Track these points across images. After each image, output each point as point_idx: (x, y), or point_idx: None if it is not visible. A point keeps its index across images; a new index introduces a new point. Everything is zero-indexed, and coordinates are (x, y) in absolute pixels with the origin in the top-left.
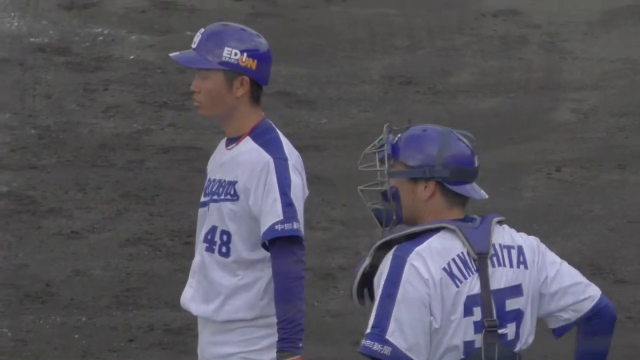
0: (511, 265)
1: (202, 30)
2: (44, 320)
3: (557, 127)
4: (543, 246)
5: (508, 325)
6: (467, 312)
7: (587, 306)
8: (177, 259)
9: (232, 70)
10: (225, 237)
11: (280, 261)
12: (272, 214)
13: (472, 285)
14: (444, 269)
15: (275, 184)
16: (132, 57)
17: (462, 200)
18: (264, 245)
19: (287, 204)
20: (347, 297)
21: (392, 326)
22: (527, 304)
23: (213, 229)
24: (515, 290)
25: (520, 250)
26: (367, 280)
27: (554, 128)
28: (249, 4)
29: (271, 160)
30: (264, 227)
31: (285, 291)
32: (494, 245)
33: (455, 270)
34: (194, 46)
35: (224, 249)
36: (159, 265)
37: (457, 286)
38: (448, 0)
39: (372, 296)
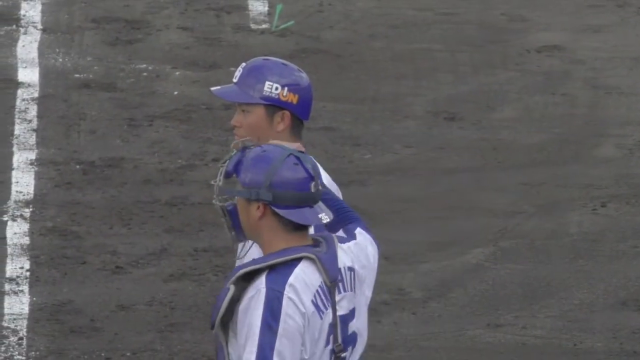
0: (351, 289)
1: (243, 64)
2: (89, 356)
3: (602, 163)
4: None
5: (348, 348)
6: (327, 342)
7: None
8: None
9: (273, 105)
10: None
11: None
12: None
13: (329, 314)
14: (312, 301)
15: None
16: (176, 92)
17: (300, 223)
18: None
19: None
20: (390, 332)
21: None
22: (358, 326)
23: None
24: (353, 314)
25: (354, 273)
26: (227, 311)
27: (599, 163)
28: (293, 40)
29: None
30: None
31: None
32: (340, 271)
33: (319, 302)
34: (235, 80)
35: None
36: (202, 301)
37: (321, 318)
38: (492, 36)
39: (224, 326)
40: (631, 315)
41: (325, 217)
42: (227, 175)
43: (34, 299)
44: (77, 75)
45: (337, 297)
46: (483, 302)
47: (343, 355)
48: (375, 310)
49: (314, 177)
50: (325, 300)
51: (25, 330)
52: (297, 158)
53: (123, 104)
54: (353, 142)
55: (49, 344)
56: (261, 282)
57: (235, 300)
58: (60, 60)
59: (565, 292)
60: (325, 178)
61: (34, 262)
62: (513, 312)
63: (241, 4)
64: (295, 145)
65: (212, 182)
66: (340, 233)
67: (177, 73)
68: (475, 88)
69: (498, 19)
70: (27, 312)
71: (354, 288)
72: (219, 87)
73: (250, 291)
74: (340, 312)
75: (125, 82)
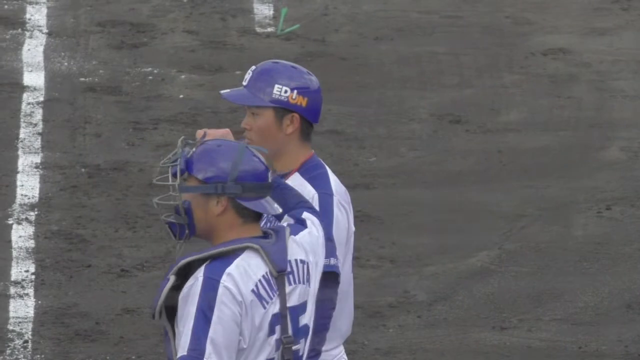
0: (303, 282)
1: (253, 67)
2: (94, 359)
3: (607, 166)
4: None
5: (300, 341)
6: (271, 331)
7: None
8: None
9: (283, 108)
10: None
11: None
12: None
13: (275, 304)
14: (253, 290)
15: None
16: (181, 96)
17: (256, 215)
18: None
19: (327, 240)
20: (394, 335)
21: (209, 348)
22: (310, 318)
23: None
24: (304, 306)
25: (308, 266)
26: (168, 300)
27: (604, 166)
28: (299, 43)
29: (316, 195)
30: None
31: None
32: (290, 262)
33: (262, 292)
34: (244, 84)
35: None
36: None
37: (264, 307)
38: (497, 39)
39: (169, 316)
40: (636, 318)
41: (278, 208)
42: (181, 173)
43: (39, 302)
44: (82, 79)
45: (288, 289)
46: (488, 305)
47: (295, 347)
48: (380, 314)
49: (268, 168)
50: (270, 290)
51: (30, 333)
52: (250, 150)
53: (128, 108)
54: (358, 145)
55: (54, 348)
56: (200, 272)
57: (176, 290)
58: (66, 63)
59: (570, 295)
60: (334, 182)
61: (39, 266)
62: (518, 315)
63: (247, 7)
64: (223, 132)
65: (156, 181)
66: (289, 219)
67: (183, 76)
68: (481, 91)
69: (503, 22)
70: (32, 315)
71: (307, 281)
72: (228, 90)
73: (190, 280)
74: (290, 304)
75: (130, 85)
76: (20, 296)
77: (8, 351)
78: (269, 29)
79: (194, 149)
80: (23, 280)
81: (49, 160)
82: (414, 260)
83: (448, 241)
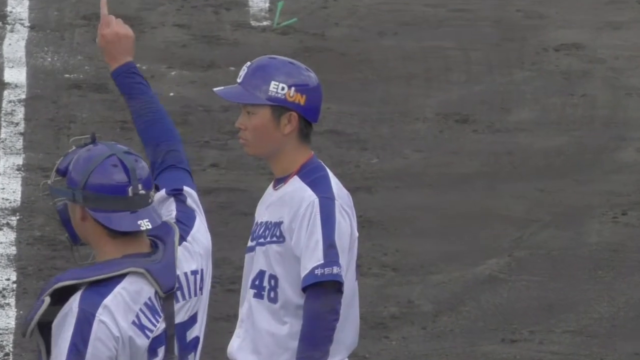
0: (194, 295)
1: (249, 63)
2: None
3: (623, 168)
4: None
5: (189, 356)
6: (153, 354)
7: None
8: (219, 308)
9: (280, 106)
10: (273, 282)
11: (312, 307)
12: (313, 258)
13: (160, 327)
14: (134, 322)
15: (319, 225)
16: (172, 93)
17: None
18: (304, 290)
19: (329, 247)
20: (398, 348)
21: None
22: (201, 328)
23: (261, 274)
24: (194, 319)
25: (201, 275)
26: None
27: (620, 169)
28: (297, 38)
29: (317, 200)
30: (304, 271)
31: (311, 338)
32: (179, 277)
33: (144, 321)
34: (239, 80)
35: (272, 294)
36: None
37: (147, 337)
38: (507, 34)
39: (43, 330)
40: None
41: (147, 224)
42: (60, 173)
43: (21, 312)
44: (67, 76)
45: (176, 307)
46: (497, 316)
47: None
48: (382, 325)
49: (132, 180)
50: (153, 316)
51: (11, 345)
52: (120, 160)
53: (115, 106)
54: (360, 146)
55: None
56: (75, 300)
57: (51, 311)
58: (49, 59)
59: (584, 305)
60: (335, 185)
61: (21, 274)
62: (529, 326)
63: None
64: (124, 32)
65: (42, 185)
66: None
67: (173, 73)
68: (490, 89)
69: (514, 16)
70: (14, 326)
71: (200, 290)
72: (222, 88)
73: (65, 307)
74: (178, 321)
75: None
76: (1, 306)
77: None
78: (265, 23)
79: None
80: (4, 289)
81: (32, 161)
82: (419, 268)
83: (454, 248)
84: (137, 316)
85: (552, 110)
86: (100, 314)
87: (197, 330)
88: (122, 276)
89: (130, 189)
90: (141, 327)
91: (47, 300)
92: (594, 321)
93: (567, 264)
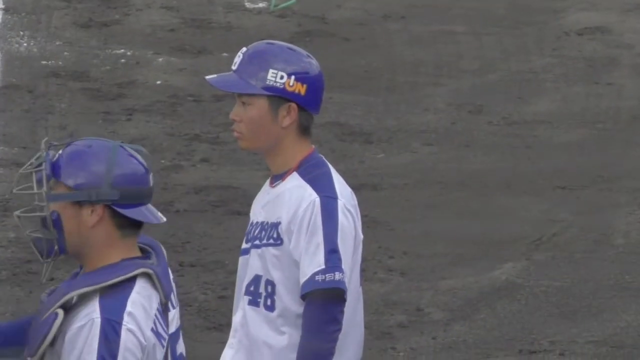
0: (176, 304)
1: (244, 49)
2: None
3: None
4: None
5: None
6: None
7: None
8: (210, 315)
9: (278, 96)
10: (270, 288)
11: (312, 317)
12: (313, 263)
13: (167, 337)
14: (152, 329)
15: (320, 227)
16: (159, 82)
17: (135, 228)
18: (303, 297)
19: (331, 251)
20: (407, 359)
21: None
22: (182, 347)
23: (256, 279)
24: (178, 333)
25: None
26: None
27: None
28: (295, 21)
29: (318, 199)
30: (304, 277)
31: (310, 351)
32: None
33: (159, 329)
34: (234, 68)
35: (269, 302)
36: (189, 323)
37: (163, 346)
38: (525, 17)
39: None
40: None
41: (162, 217)
42: (47, 179)
43: None
44: (44, 62)
45: (170, 316)
46: (514, 325)
47: None
48: (389, 334)
49: (149, 169)
50: (164, 324)
51: None
52: (127, 150)
53: (97, 96)
54: (364, 139)
55: None
56: (94, 310)
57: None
58: (25, 44)
59: (610, 313)
60: (338, 183)
61: None
62: (549, 336)
63: None
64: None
65: (16, 191)
66: None
67: (160, 59)
68: (506, 77)
69: None
70: None
71: (177, 301)
72: (215, 76)
73: (81, 319)
74: (170, 331)
75: (100, 70)
76: None
77: None
78: (261, 5)
79: (60, 152)
80: None
81: (6, 156)
82: (428, 273)
83: (467, 251)
84: (154, 323)
85: (574, 100)
86: (127, 322)
87: (181, 347)
88: (132, 281)
89: (150, 178)
90: (158, 335)
91: (61, 313)
92: (620, 330)
93: (590, 268)
